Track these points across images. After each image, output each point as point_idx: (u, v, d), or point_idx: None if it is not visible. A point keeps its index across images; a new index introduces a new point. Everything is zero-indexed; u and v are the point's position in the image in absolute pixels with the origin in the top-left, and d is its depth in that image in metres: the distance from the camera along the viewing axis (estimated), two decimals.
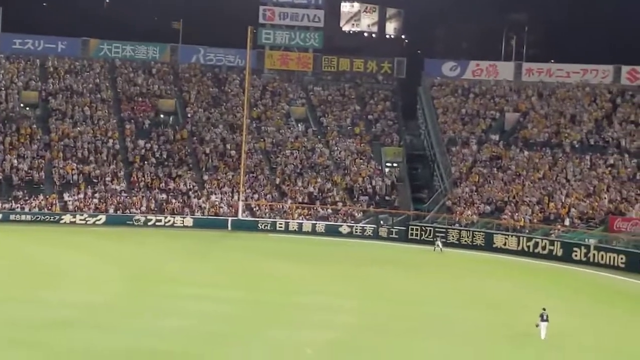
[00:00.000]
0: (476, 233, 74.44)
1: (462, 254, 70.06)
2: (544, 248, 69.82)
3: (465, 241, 74.34)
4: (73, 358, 28.26)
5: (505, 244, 72.20)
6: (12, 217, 76.85)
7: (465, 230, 75.50)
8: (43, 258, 54.59)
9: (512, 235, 72.60)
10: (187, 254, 60.51)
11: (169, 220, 79.39)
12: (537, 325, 35.81)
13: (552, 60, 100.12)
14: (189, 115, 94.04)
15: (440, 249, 70.79)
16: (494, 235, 73.36)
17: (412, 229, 77.80)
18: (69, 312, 35.57)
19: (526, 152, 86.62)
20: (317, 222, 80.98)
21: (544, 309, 36.15)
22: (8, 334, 30.96)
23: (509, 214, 76.64)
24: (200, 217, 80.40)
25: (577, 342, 36.27)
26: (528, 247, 70.76)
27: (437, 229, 75.87)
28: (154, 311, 37.14)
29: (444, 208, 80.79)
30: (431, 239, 73.53)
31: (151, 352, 29.46)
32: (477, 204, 79.59)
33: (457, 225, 77.28)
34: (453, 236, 75.21)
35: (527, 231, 73.59)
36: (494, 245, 72.45)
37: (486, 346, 34.61)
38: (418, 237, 76.16)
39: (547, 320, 35.79)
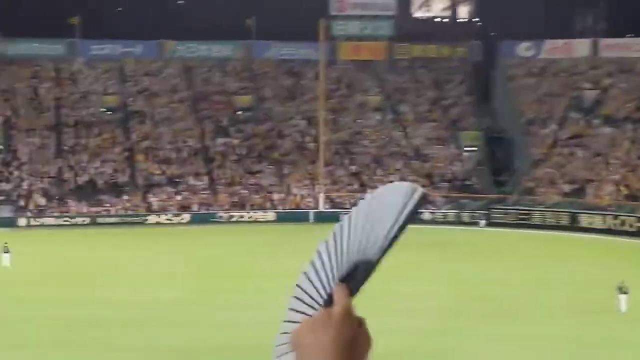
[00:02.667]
0: (560, 214, 73.75)
1: (547, 235, 69.39)
2: (631, 225, 68.87)
3: (550, 222, 73.69)
4: (152, 355, 28.68)
5: (590, 224, 71.36)
6: (98, 220, 78.25)
7: (549, 211, 74.84)
8: (129, 259, 55.28)
9: (597, 214, 71.74)
10: (270, 249, 60.84)
11: (251, 216, 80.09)
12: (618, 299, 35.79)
13: (630, 35, 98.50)
14: (266, 111, 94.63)
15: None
16: (579, 215, 72.58)
17: (494, 213, 77.36)
18: (152, 311, 36.06)
19: (607, 129, 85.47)
20: None
21: (623, 282, 35.97)
22: (88, 333, 31.50)
23: (593, 192, 75.78)
24: (281, 210, 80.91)
25: None
26: (615, 225, 69.87)
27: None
28: (237, 306, 37.45)
29: (525, 190, 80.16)
30: (514, 222, 73.06)
31: (229, 348, 29.76)
32: (559, 184, 78.82)
33: (540, 206, 76.66)
34: (537, 218, 74.60)
35: (613, 209, 72.64)
36: (579, 225, 71.66)
37: (566, 324, 34.37)
38: (501, 221, 75.72)
39: (626, 292, 35.61)
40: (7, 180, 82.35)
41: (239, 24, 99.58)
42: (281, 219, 79.31)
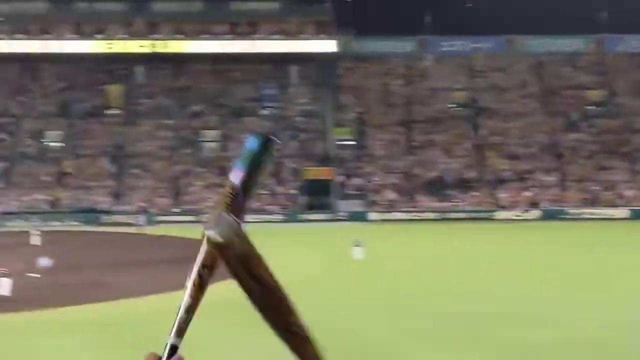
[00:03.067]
0: None
1: None
2: None
3: None
4: (514, 350, 28.43)
5: None
6: (447, 215, 79.03)
7: None
8: (479, 255, 55.33)
9: None
10: (622, 247, 58.65)
11: (603, 213, 77.86)
12: None
13: None
14: (618, 105, 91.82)
15: None
16: None
17: None
18: (508, 306, 35.87)
19: None
20: None
21: None
22: (453, 327, 31.68)
23: None
24: (635, 208, 78.09)
25: None
26: None
27: None
28: (594, 303, 36.46)
29: None
30: None
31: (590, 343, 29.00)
32: None
33: None
34: None
35: None
36: None
37: None
38: None
39: None
40: (359, 175, 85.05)
41: (590, 17, 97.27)
42: (635, 216, 76.60)
